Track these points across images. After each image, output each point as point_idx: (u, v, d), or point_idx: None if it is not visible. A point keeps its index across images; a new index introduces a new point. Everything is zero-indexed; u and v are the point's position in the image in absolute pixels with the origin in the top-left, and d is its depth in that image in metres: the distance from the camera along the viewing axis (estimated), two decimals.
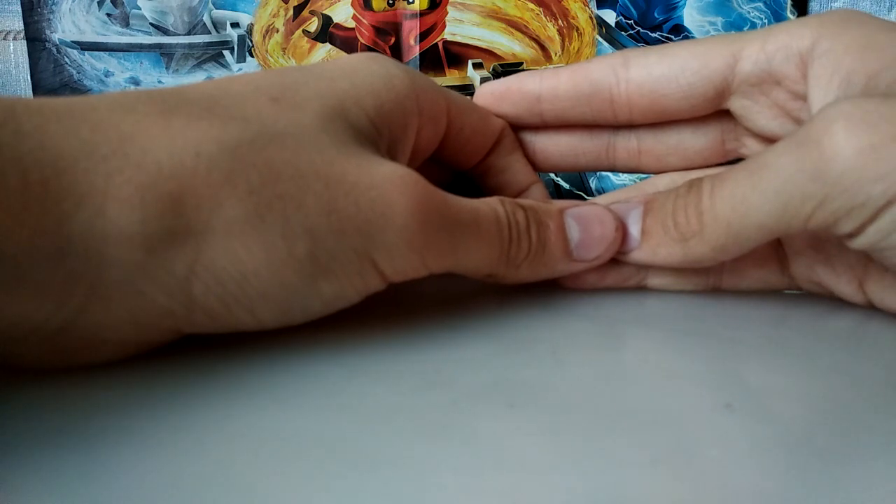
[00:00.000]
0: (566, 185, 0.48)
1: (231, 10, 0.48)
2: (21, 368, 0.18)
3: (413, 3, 0.47)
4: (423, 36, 0.47)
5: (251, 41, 0.48)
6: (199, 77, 0.49)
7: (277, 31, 0.48)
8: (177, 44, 0.48)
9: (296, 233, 0.18)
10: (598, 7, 0.47)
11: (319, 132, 0.19)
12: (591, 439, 0.15)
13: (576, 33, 0.47)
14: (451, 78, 0.48)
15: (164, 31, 0.48)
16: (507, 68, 0.47)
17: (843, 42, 0.22)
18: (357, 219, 0.18)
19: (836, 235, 0.20)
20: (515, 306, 0.23)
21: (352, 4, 0.48)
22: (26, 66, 0.49)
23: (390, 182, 0.19)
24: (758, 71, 0.24)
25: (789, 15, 0.45)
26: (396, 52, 0.48)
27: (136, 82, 0.49)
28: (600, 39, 0.47)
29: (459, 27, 0.47)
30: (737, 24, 0.46)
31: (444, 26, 0.47)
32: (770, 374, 0.19)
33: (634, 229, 0.24)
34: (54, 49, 0.48)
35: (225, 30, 0.48)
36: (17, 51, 0.49)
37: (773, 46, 0.23)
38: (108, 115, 0.17)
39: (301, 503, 0.13)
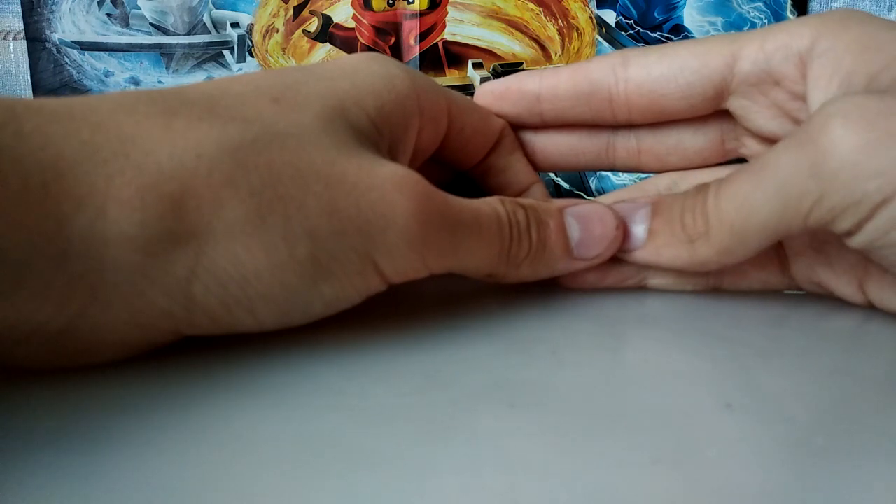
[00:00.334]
0: (566, 185, 0.48)
1: (231, 10, 0.48)
2: (22, 369, 0.18)
3: (413, 3, 0.47)
4: (423, 36, 0.47)
5: (251, 41, 0.48)
6: (199, 77, 0.49)
7: (277, 31, 0.48)
8: (177, 44, 0.48)
9: (297, 234, 0.18)
10: (598, 7, 0.47)
11: (320, 133, 0.19)
12: (591, 439, 0.15)
13: (576, 33, 0.47)
14: (451, 78, 0.48)
15: (164, 31, 0.48)
16: (507, 68, 0.47)
17: (843, 42, 0.22)
18: (358, 219, 0.18)
19: (836, 233, 0.20)
20: (515, 306, 0.23)
21: (352, 4, 0.48)
22: (26, 66, 0.48)
23: (391, 183, 0.19)
24: (757, 71, 0.24)
25: (789, 15, 0.45)
26: (396, 52, 0.48)
27: (136, 82, 0.49)
28: (600, 39, 0.47)
29: (459, 27, 0.47)
30: (737, 24, 0.46)
31: (444, 26, 0.47)
32: (770, 374, 0.19)
33: (641, 228, 0.24)
34: (54, 49, 0.48)
35: (225, 30, 0.48)
36: (17, 51, 0.48)
37: (773, 46, 0.23)
38: (108, 116, 0.17)
39: (301, 503, 0.13)
